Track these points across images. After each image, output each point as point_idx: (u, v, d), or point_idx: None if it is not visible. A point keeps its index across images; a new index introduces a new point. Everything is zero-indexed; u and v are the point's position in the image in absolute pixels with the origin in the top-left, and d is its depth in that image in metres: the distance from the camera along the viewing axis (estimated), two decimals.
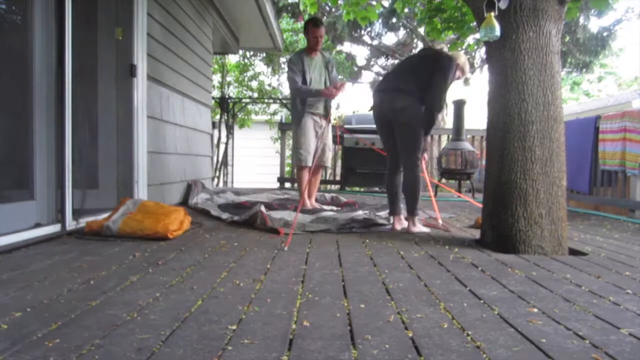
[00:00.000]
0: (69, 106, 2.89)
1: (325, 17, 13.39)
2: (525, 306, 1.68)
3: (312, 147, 4.26)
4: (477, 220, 3.63)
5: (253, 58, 11.85)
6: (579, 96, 21.23)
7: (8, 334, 1.32)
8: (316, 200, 4.84)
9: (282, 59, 12.19)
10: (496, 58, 2.84)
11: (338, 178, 7.90)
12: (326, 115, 4.35)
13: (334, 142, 8.13)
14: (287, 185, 7.99)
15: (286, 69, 4.28)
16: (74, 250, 2.47)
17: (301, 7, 7.88)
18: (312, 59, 4.31)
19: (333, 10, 12.79)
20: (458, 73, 3.42)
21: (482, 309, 1.64)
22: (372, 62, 15.12)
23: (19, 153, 2.88)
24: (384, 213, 3.89)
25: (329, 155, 4.51)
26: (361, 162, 6.81)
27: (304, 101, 4.21)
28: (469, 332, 1.40)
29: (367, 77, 15.48)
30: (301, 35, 11.99)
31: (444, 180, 6.91)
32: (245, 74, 11.17)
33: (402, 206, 3.53)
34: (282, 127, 8.29)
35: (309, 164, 4.25)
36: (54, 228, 2.84)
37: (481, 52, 13.02)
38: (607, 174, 5.21)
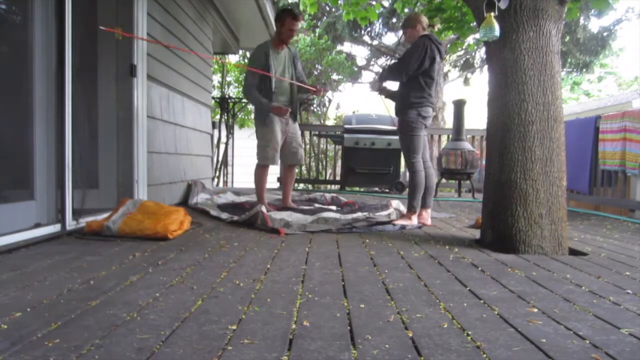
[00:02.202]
0: (69, 106, 2.89)
1: (325, 17, 13.40)
2: (525, 306, 1.68)
3: (279, 145, 4.09)
4: (477, 220, 3.63)
5: None
6: (579, 96, 21.25)
7: (8, 334, 1.32)
8: (316, 200, 4.84)
9: None
10: (496, 58, 2.84)
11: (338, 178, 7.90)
12: (293, 113, 4.16)
13: (335, 141, 8.18)
14: None
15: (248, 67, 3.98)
16: (74, 250, 2.47)
17: (301, 7, 7.87)
18: (279, 53, 4.02)
19: (333, 10, 12.79)
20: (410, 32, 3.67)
21: (482, 309, 1.64)
22: (372, 62, 15.13)
23: (19, 153, 2.88)
24: (384, 213, 3.89)
25: (301, 152, 4.36)
26: (361, 162, 6.81)
27: (268, 97, 3.95)
28: (469, 332, 1.40)
29: (367, 77, 15.49)
30: (301, 35, 11.99)
31: (443, 180, 6.90)
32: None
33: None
34: None
35: (276, 162, 4.12)
36: (54, 228, 2.84)
37: (481, 52, 13.03)
38: (607, 174, 5.21)
